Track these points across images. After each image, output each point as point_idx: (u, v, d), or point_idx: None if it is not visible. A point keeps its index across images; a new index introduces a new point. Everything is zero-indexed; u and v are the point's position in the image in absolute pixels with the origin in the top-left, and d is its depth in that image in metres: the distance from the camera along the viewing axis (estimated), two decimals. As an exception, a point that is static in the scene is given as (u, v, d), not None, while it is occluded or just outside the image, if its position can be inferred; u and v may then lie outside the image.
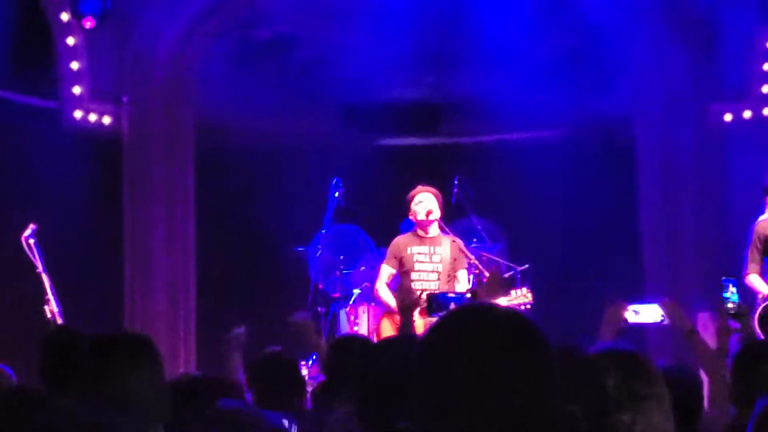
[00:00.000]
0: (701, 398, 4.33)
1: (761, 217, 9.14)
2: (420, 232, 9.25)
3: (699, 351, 5.07)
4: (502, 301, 8.59)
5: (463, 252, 9.24)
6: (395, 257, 9.22)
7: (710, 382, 4.71)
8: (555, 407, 1.98)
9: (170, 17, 11.55)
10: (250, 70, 12.03)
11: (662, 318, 5.68)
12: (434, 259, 9.13)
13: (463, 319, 2.06)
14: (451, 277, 9.10)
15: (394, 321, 8.78)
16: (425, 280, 9.03)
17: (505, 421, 1.92)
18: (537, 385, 1.96)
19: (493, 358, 1.96)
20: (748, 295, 8.86)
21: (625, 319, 5.73)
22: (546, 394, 1.97)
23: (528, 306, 8.56)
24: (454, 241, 9.25)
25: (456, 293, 8.37)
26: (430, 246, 9.17)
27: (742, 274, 8.93)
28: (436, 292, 8.56)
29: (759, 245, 9.00)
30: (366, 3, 11.83)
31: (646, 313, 6.16)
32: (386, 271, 9.26)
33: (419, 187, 9.31)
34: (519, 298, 8.60)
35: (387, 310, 9.16)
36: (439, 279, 9.05)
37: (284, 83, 11.88)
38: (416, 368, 2.02)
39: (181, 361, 11.49)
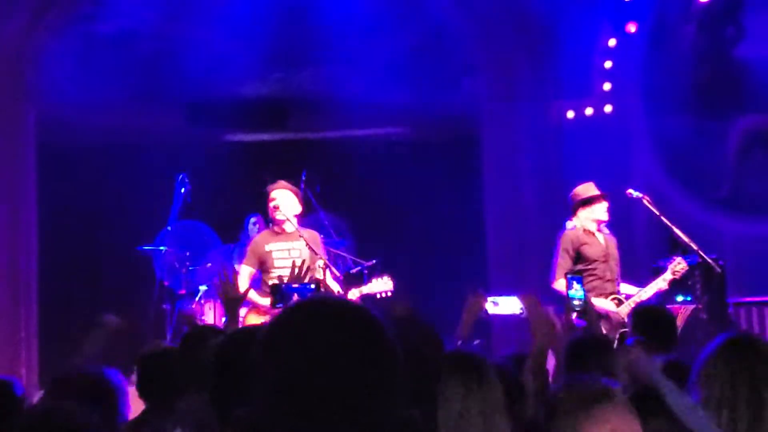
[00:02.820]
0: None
1: (571, 224, 9.31)
2: (276, 228, 9.15)
3: (557, 344, 5.13)
4: (365, 288, 8.69)
5: (310, 247, 9.18)
6: (255, 255, 9.05)
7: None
8: (395, 403, 1.94)
9: (8, 11, 11.25)
10: (94, 65, 11.80)
11: (521, 310, 5.73)
12: (292, 254, 8.98)
13: (304, 311, 1.99)
14: (311, 270, 8.91)
15: (259, 315, 8.69)
16: (285, 277, 8.91)
17: (342, 414, 1.89)
18: (377, 380, 1.92)
19: (333, 352, 1.91)
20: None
21: (485, 311, 5.78)
22: (386, 390, 1.93)
23: (389, 293, 8.64)
24: (312, 233, 9.20)
25: (300, 284, 8.30)
26: (286, 242, 9.08)
27: (550, 278, 9.09)
28: (280, 283, 8.47)
29: (571, 252, 9.17)
30: (211, -2, 11.73)
31: (505, 305, 6.23)
32: (245, 270, 8.99)
33: (279, 182, 9.18)
34: (380, 285, 8.69)
35: (252, 306, 8.99)
36: (289, 282, 8.94)
37: (129, 78, 11.68)
38: (256, 358, 1.97)
39: (22, 361, 11.23)
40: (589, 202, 9.30)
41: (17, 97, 11.52)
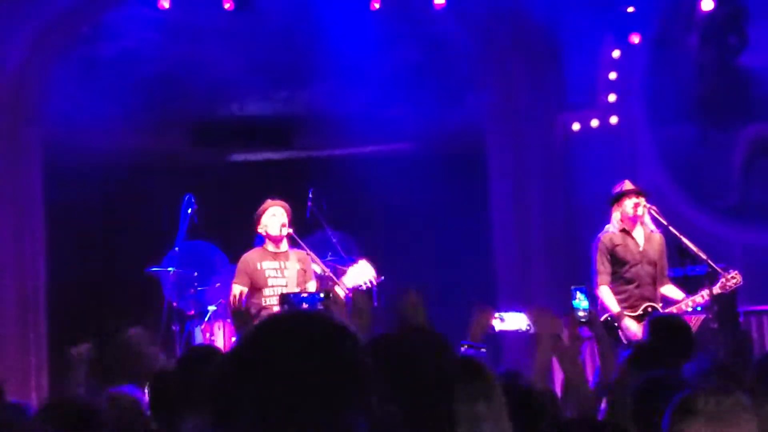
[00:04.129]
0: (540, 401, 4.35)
1: (607, 227, 9.29)
2: (270, 246, 9.09)
3: (562, 358, 5.10)
4: (346, 281, 8.62)
5: (314, 261, 9.17)
6: (246, 274, 8.96)
7: (570, 386, 4.73)
8: (365, 412, 1.95)
9: (11, 36, 11.27)
10: (98, 87, 11.82)
11: (528, 327, 5.70)
12: (286, 274, 8.98)
13: (268, 329, 2.02)
14: (302, 291, 8.94)
15: None
16: (284, 293, 8.86)
17: (312, 422, 1.89)
18: (343, 392, 1.94)
19: (297, 367, 1.93)
20: (595, 303, 9.03)
21: (492, 327, 5.75)
22: (353, 400, 1.94)
23: (373, 281, 8.62)
24: (301, 253, 9.16)
25: (309, 293, 8.24)
26: (280, 261, 9.03)
27: (593, 285, 9.05)
28: (289, 292, 8.42)
29: (607, 255, 9.13)
30: (214, 18, 11.71)
31: (512, 321, 6.19)
32: (238, 290, 8.84)
33: (269, 201, 9.14)
34: (360, 274, 8.65)
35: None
36: (299, 292, 8.89)
37: (133, 100, 11.69)
38: (224, 375, 1.97)
39: (32, 384, 11.22)
40: (618, 198, 9.24)
41: (21, 120, 11.53)
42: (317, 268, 9.36)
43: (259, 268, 8.97)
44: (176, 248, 10.75)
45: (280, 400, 1.90)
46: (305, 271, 9.07)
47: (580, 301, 6.13)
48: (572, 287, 6.36)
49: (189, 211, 10.66)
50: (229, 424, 1.94)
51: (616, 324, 8.93)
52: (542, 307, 5.61)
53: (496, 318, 5.87)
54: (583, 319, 6.08)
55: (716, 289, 8.87)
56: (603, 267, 9.11)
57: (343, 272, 8.86)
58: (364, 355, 1.99)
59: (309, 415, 1.90)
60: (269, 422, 1.90)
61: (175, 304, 10.92)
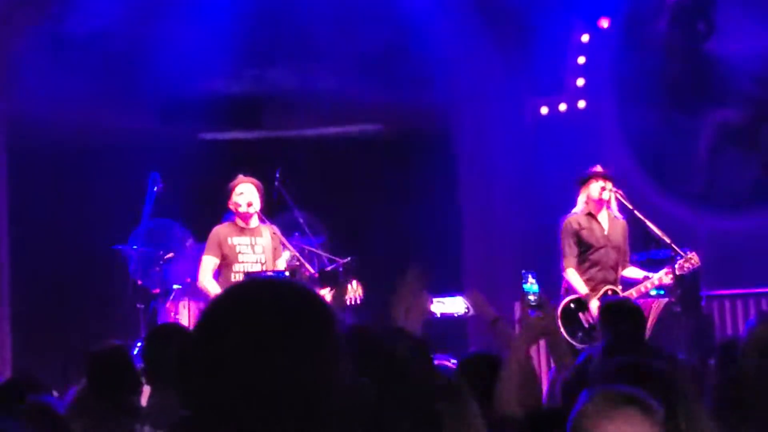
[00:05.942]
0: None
1: (573, 210, 9.34)
2: (240, 222, 9.15)
3: (503, 339, 5.13)
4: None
5: (282, 242, 9.21)
6: (218, 247, 9.03)
7: (511, 368, 4.73)
8: (333, 380, 1.93)
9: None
10: (66, 64, 11.72)
11: (467, 309, 5.73)
12: (257, 250, 9.02)
13: (235, 295, 2.02)
14: (273, 267, 9.02)
15: None
16: (250, 272, 8.91)
17: (273, 397, 1.88)
18: (311, 359, 1.92)
19: (262, 332, 1.91)
20: (558, 286, 9.11)
21: (432, 312, 5.76)
22: (321, 367, 1.93)
23: (359, 298, 8.63)
24: (272, 230, 9.19)
25: (274, 271, 8.29)
26: (251, 237, 9.07)
27: (560, 266, 9.12)
28: (254, 271, 8.47)
29: (573, 238, 9.19)
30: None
31: (451, 305, 6.23)
32: (210, 261, 9.02)
33: (240, 177, 9.20)
34: (349, 291, 8.66)
35: None
36: (263, 270, 8.95)
37: (101, 77, 11.62)
38: (192, 344, 1.96)
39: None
40: (586, 180, 9.30)
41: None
42: (286, 254, 9.39)
43: (230, 243, 9.02)
44: (141, 226, 10.72)
45: (241, 365, 1.89)
46: (275, 249, 9.10)
47: (531, 285, 6.15)
48: (523, 271, 6.38)
49: (155, 188, 10.63)
50: (199, 398, 1.93)
51: (578, 309, 8.99)
52: (475, 290, 5.62)
53: (435, 302, 5.88)
54: (533, 303, 6.11)
55: (676, 270, 8.94)
56: (569, 249, 9.17)
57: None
58: (333, 318, 1.98)
59: (280, 375, 1.89)
60: (228, 387, 1.89)
61: (139, 282, 10.88)
